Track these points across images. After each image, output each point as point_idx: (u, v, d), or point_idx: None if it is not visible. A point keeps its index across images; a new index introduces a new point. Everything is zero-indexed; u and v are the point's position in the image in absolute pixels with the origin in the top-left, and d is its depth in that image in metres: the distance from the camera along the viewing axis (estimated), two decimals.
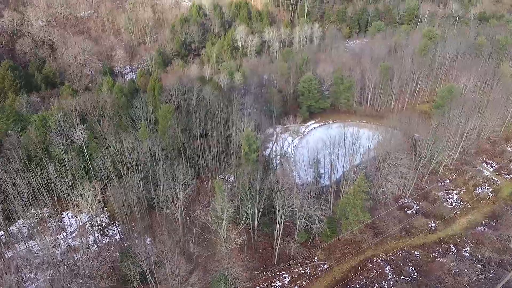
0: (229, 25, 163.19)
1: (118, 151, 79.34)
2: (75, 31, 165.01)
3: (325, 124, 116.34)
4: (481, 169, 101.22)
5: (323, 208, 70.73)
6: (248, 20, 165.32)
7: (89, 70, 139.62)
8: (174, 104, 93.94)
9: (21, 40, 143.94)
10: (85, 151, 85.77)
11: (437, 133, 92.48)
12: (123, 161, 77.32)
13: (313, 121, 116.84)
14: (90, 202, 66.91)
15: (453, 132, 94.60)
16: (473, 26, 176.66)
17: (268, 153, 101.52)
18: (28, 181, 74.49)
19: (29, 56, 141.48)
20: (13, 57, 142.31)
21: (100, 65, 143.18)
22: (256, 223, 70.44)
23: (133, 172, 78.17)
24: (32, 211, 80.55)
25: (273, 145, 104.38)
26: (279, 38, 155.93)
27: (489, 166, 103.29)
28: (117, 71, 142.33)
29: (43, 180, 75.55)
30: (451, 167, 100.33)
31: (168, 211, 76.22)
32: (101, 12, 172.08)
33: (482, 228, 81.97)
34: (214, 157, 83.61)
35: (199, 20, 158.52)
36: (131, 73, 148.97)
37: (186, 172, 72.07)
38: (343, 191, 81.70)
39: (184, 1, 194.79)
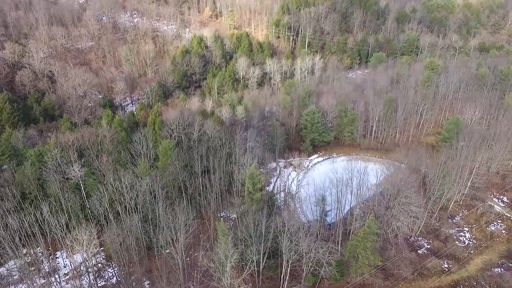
0: (230, 57, 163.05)
1: (116, 189, 76.18)
2: (76, 62, 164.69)
3: (329, 158, 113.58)
4: (492, 204, 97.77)
5: (331, 251, 66.98)
6: (249, 51, 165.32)
7: (89, 102, 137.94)
8: (175, 139, 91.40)
9: (21, 72, 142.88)
10: (82, 188, 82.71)
11: (446, 168, 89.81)
12: (121, 201, 73.93)
13: (316, 155, 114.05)
14: (85, 247, 63.15)
15: (462, 166, 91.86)
16: (474, 57, 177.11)
17: (271, 188, 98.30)
18: (21, 220, 71.24)
19: (28, 88, 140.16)
20: (13, 89, 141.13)
21: (100, 96, 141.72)
22: (261, 267, 66.53)
23: (132, 211, 74.79)
24: (24, 251, 76.89)
25: (276, 180, 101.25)
26: (280, 69, 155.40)
27: (500, 201, 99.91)
28: (117, 103, 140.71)
29: (37, 221, 72.14)
30: (460, 202, 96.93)
31: (167, 251, 72.45)
32: (102, 43, 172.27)
33: (499, 269, 77.86)
34: (216, 196, 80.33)
35: (200, 51, 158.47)
36: (131, 105, 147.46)
37: (188, 212, 68.79)
38: (352, 231, 77.94)
39: (185, 33, 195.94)
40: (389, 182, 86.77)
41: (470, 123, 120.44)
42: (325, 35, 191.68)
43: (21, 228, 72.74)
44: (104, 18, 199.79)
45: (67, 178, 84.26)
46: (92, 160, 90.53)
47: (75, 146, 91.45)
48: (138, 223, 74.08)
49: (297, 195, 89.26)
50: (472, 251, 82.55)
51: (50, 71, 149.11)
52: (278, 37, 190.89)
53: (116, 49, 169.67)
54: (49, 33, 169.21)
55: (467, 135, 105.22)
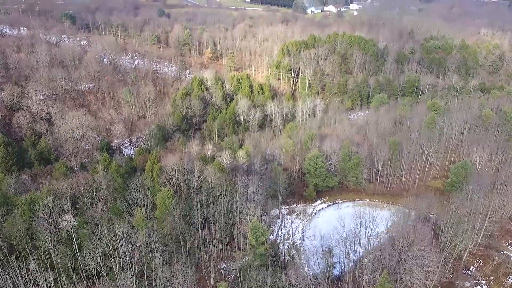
0: (230, 99, 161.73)
1: (110, 242, 71.49)
2: (75, 104, 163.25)
3: (334, 204, 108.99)
4: (509, 254, 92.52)
5: None
6: (250, 93, 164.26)
7: (86, 145, 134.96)
8: (173, 186, 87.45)
9: (18, 114, 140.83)
10: (74, 239, 77.89)
11: (457, 216, 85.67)
12: (115, 256, 69.00)
13: (320, 201, 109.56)
14: None
15: (474, 213, 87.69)
16: (475, 97, 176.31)
17: (274, 237, 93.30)
18: (6, 277, 66.22)
19: (25, 130, 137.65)
20: (9, 132, 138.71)
21: (98, 139, 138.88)
22: None
23: (126, 267, 69.68)
24: None
25: (279, 229, 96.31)
26: (281, 111, 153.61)
27: None
28: (115, 146, 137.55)
29: (22, 278, 67.04)
30: (474, 252, 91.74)
31: None
32: (102, 85, 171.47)
33: None
34: (217, 250, 75.38)
35: (201, 93, 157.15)
36: (129, 147, 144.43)
37: (186, 267, 63.86)
38: (362, 287, 72.65)
39: (186, 75, 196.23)
40: (399, 231, 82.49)
41: (478, 166, 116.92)
42: (326, 77, 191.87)
43: (5, 285, 67.71)
44: (105, 59, 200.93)
45: (58, 229, 79.78)
46: (86, 208, 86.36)
47: (69, 194, 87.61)
48: (133, 279, 68.86)
49: (302, 247, 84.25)
50: None
51: (48, 113, 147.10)
52: (279, 78, 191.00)
53: (116, 91, 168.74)
54: (49, 74, 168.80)
55: (477, 180, 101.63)
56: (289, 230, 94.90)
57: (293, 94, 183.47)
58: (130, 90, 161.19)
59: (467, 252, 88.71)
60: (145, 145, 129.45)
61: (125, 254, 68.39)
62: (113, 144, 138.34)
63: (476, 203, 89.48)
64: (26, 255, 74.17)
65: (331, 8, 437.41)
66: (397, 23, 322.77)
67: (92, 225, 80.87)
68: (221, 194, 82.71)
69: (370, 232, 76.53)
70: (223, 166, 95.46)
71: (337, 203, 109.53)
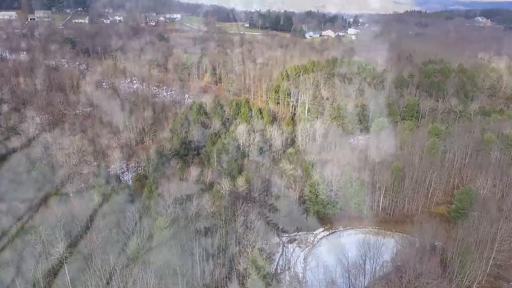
0: (230, 123, 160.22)
1: (103, 275, 68.41)
2: (72, 129, 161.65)
3: (336, 231, 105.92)
4: None
5: None
6: (249, 118, 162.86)
7: (82, 170, 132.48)
8: (171, 215, 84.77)
9: (14, 139, 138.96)
10: (66, 272, 74.89)
11: (465, 244, 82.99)
12: None
13: (322, 229, 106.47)
14: None
15: (481, 241, 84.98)
16: (476, 121, 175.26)
17: (275, 267, 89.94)
18: None
19: (20, 155, 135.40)
20: None
21: (95, 164, 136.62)
22: None
23: None
24: None
25: (279, 258, 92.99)
26: (281, 136, 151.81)
27: None
28: (112, 172, 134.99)
29: None
30: (483, 282, 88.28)
31: None
32: (101, 109, 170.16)
33: None
34: (216, 284, 72.15)
35: (200, 118, 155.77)
36: (127, 173, 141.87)
37: None
38: None
39: (185, 99, 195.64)
40: (405, 260, 79.69)
41: (483, 192, 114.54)
42: (325, 101, 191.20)
43: None
44: (104, 83, 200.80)
45: (50, 260, 76.83)
46: (80, 238, 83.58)
47: (62, 222, 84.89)
48: None
49: (304, 278, 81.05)
50: None
51: (44, 138, 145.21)
52: (278, 103, 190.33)
53: (114, 115, 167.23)
54: (47, 99, 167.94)
55: (482, 206, 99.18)
56: (290, 260, 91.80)
57: (292, 118, 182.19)
58: (129, 114, 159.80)
59: (475, 283, 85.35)
60: (142, 171, 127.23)
61: None
62: (110, 169, 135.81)
63: (483, 231, 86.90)
64: None
65: (329, 33, 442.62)
66: (395, 47, 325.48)
67: (85, 256, 77.98)
68: (220, 223, 79.99)
69: (375, 263, 73.56)
70: (222, 193, 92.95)
71: (339, 231, 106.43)
